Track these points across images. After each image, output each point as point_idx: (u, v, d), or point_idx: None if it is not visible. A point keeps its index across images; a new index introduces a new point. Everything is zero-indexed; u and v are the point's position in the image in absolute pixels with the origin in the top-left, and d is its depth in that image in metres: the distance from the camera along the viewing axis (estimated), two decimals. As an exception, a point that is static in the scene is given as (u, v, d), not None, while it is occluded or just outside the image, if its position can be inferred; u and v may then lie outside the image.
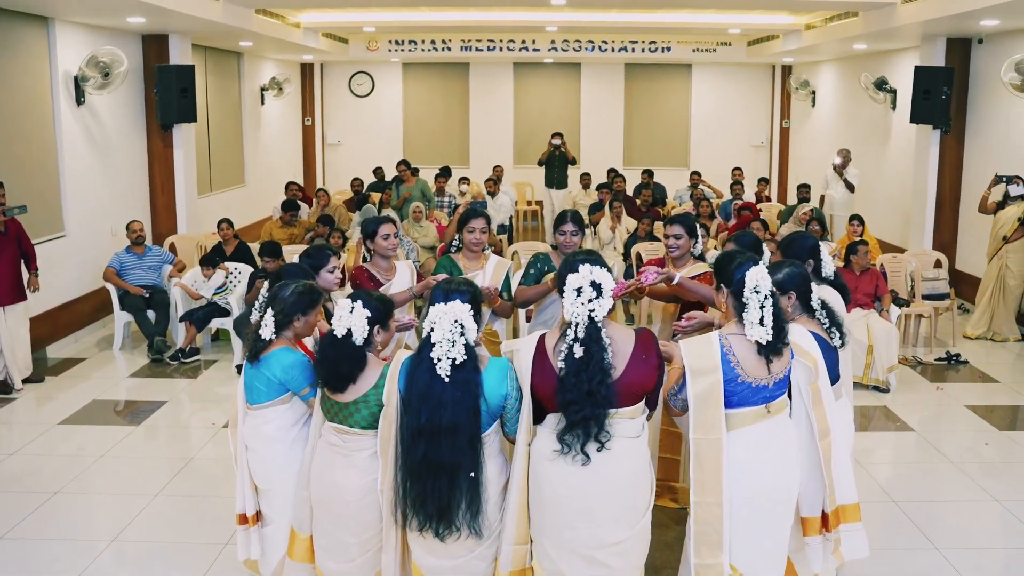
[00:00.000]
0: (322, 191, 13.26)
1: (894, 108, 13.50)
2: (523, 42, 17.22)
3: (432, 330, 3.56)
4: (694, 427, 3.66)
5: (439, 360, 3.52)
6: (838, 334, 4.12)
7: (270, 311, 4.09)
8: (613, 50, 17.27)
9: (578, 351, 3.51)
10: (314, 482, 3.93)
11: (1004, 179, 9.74)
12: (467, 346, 3.57)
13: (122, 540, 5.33)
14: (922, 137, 11.52)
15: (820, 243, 4.74)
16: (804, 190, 12.93)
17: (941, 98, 10.69)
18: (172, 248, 10.64)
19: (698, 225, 5.63)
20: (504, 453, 3.79)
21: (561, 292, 3.64)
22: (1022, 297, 9.88)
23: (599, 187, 14.56)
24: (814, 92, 17.09)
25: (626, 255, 10.97)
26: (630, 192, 14.26)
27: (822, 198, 13.43)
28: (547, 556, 3.66)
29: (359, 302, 3.78)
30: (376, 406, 3.75)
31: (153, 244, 10.24)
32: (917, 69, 10.98)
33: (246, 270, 9.44)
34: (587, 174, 14.95)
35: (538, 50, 17.32)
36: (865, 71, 13.90)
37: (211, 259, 9.26)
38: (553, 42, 17.22)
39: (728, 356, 3.66)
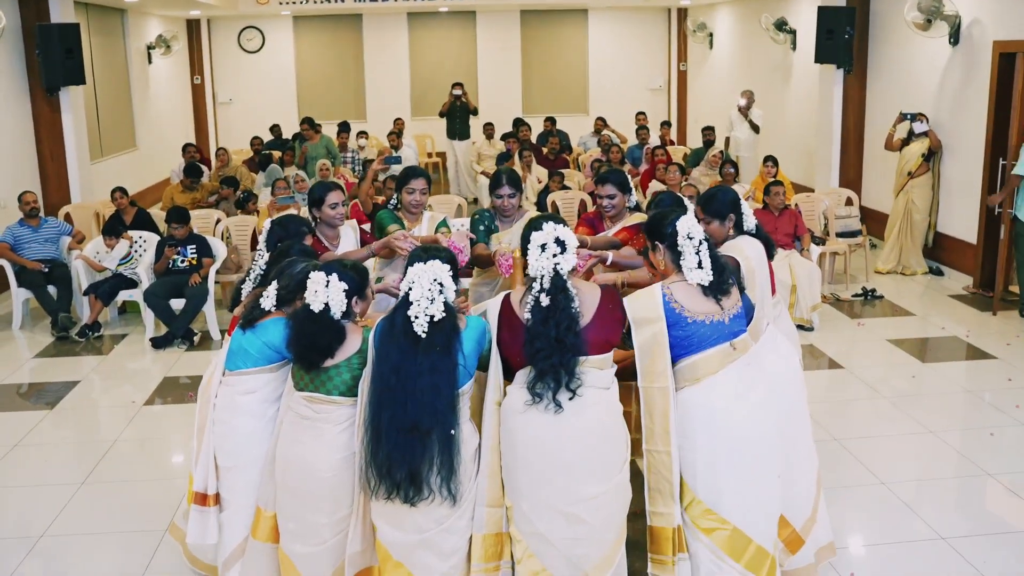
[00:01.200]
0: (222, 150, 12.75)
1: (794, 48, 13.61)
2: (418, -9, 16.84)
3: (410, 289, 3.45)
4: (641, 376, 3.69)
5: (416, 317, 3.40)
6: (735, 280, 4.03)
7: (275, 284, 3.95)
8: (511, -4, 17.02)
9: (544, 300, 3.50)
10: (280, 459, 3.74)
11: (909, 116, 9.91)
12: (446, 304, 3.46)
13: (50, 536, 4.99)
14: (825, 77, 11.64)
15: (739, 197, 4.63)
16: (709, 132, 12.94)
17: (844, 38, 10.78)
18: (68, 218, 10.08)
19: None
20: (472, 421, 3.67)
21: (525, 251, 3.60)
22: (928, 231, 10.12)
23: (504, 136, 14.40)
24: (711, 34, 17.16)
25: (540, 206, 10.84)
26: (534, 140, 14.12)
27: (727, 140, 13.51)
28: (525, 518, 3.58)
29: (334, 275, 3.62)
30: (359, 368, 3.61)
31: (47, 215, 9.69)
32: (820, 9, 11.05)
33: (151, 238, 9.01)
34: (490, 124, 14.73)
35: (433, -1, 16.97)
36: (763, 12, 13.98)
37: (113, 228, 8.79)
38: (449, -10, 16.87)
39: (671, 304, 3.68)
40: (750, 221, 4.57)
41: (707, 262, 3.68)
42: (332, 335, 3.60)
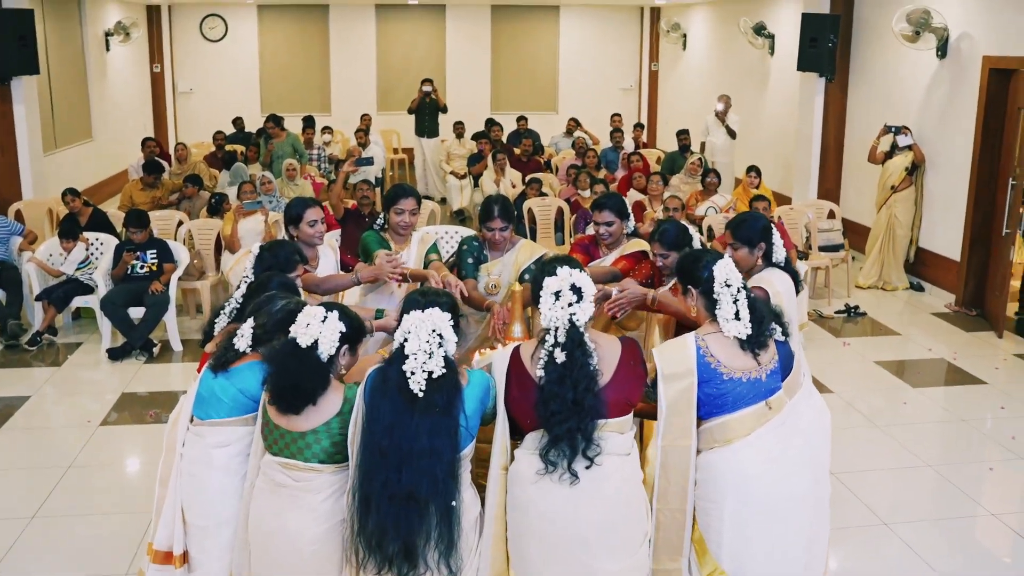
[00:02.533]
0: (181, 146, 12.25)
1: (772, 53, 13.40)
2: (387, -17, 16.43)
3: (406, 341, 3.08)
4: (663, 433, 3.37)
5: (412, 373, 3.03)
6: (778, 327, 3.66)
7: (250, 322, 3.54)
8: (483, -9, 16.67)
9: (560, 356, 3.14)
10: (255, 530, 3.33)
11: (893, 129, 9.73)
12: (446, 358, 3.09)
13: (-2, 575, 4.61)
14: (806, 85, 11.42)
15: (771, 225, 4.37)
16: (684, 136, 12.67)
17: (828, 46, 10.56)
18: (19, 217, 9.58)
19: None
20: (473, 486, 3.31)
21: (537, 299, 3.23)
22: (909, 246, 9.95)
23: (475, 136, 14.05)
24: (685, 35, 16.92)
25: (516, 213, 10.49)
26: (504, 140, 13.77)
27: (703, 145, 13.27)
28: None
29: (334, 312, 3.25)
30: (340, 434, 3.21)
31: (-3, 213, 9.20)
32: (804, 16, 10.82)
33: (108, 241, 8.54)
34: (460, 123, 14.34)
35: (403, -9, 16.57)
36: (741, 15, 13.76)
37: (70, 230, 8.30)
38: (419, -17, 16.47)
39: (705, 357, 3.36)
40: (780, 253, 4.31)
41: (745, 312, 3.37)
42: (318, 379, 3.20)
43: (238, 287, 4.11)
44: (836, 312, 8.99)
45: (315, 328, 3.21)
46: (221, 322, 3.92)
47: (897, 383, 7.28)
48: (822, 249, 9.60)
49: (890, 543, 4.96)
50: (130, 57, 16.33)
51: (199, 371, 3.78)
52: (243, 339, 3.52)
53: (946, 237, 9.48)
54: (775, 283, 4.10)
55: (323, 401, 3.21)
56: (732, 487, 3.34)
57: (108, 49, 15.08)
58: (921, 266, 9.91)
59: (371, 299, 5.17)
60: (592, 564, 3.19)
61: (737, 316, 3.36)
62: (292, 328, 3.26)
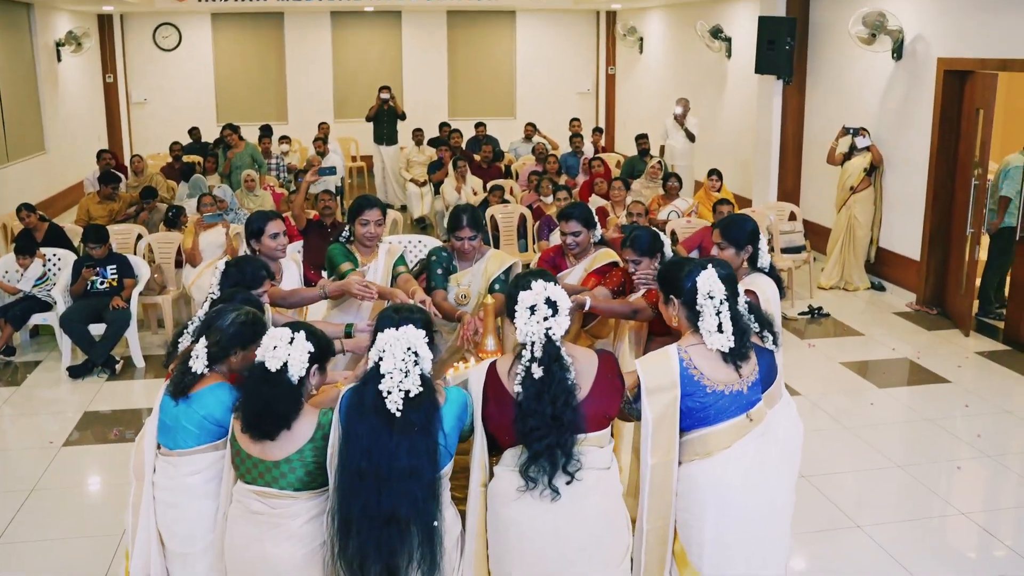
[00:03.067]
0: (137, 158, 12.07)
1: (729, 56, 13.48)
2: (343, -11, 16.34)
3: (381, 359, 3.01)
4: (652, 450, 3.32)
5: (389, 393, 2.97)
6: (770, 336, 3.67)
7: (203, 341, 3.41)
8: (439, -3, 16.62)
9: (537, 372, 3.09)
10: (233, 559, 3.25)
11: (851, 131, 9.83)
12: (423, 376, 3.03)
13: (-37, 605, 4.50)
14: (764, 87, 11.50)
15: (758, 229, 4.41)
16: (643, 140, 12.71)
17: (785, 48, 10.64)
18: (-28, 233, 9.41)
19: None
20: (454, 504, 3.27)
21: (512, 313, 3.19)
22: (869, 246, 10.05)
23: (432, 142, 13.99)
24: (641, 39, 16.98)
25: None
26: (463, 146, 13.72)
27: (662, 148, 13.31)
28: None
29: (301, 333, 3.16)
30: (314, 463, 3.13)
31: (-51, 229, 9.01)
32: (761, 19, 10.89)
33: (66, 256, 8.37)
34: (419, 130, 14.24)
35: (359, -2, 16.47)
36: (698, 19, 13.84)
37: (27, 246, 8.13)
38: (375, -11, 16.39)
39: (689, 370, 3.32)
40: (765, 259, 4.33)
41: (728, 325, 3.32)
42: (291, 402, 3.13)
43: (203, 303, 4.04)
44: (799, 313, 9.06)
45: (283, 350, 3.13)
46: (185, 341, 3.79)
47: (863, 383, 7.34)
48: (784, 251, 9.66)
49: (861, 544, 4.98)
50: (82, 67, 16.08)
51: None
52: (199, 360, 3.40)
53: (905, 237, 9.58)
54: (765, 289, 4.10)
55: (297, 425, 3.14)
56: (713, 499, 3.32)
57: (59, 60, 14.84)
58: (882, 266, 10.02)
59: (336, 314, 5.12)
60: (574, 581, 3.15)
61: (720, 329, 3.32)
62: (258, 352, 3.18)
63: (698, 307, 3.35)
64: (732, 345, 3.32)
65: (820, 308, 9.14)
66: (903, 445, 6.30)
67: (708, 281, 3.35)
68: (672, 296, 3.48)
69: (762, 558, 3.43)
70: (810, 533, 5.06)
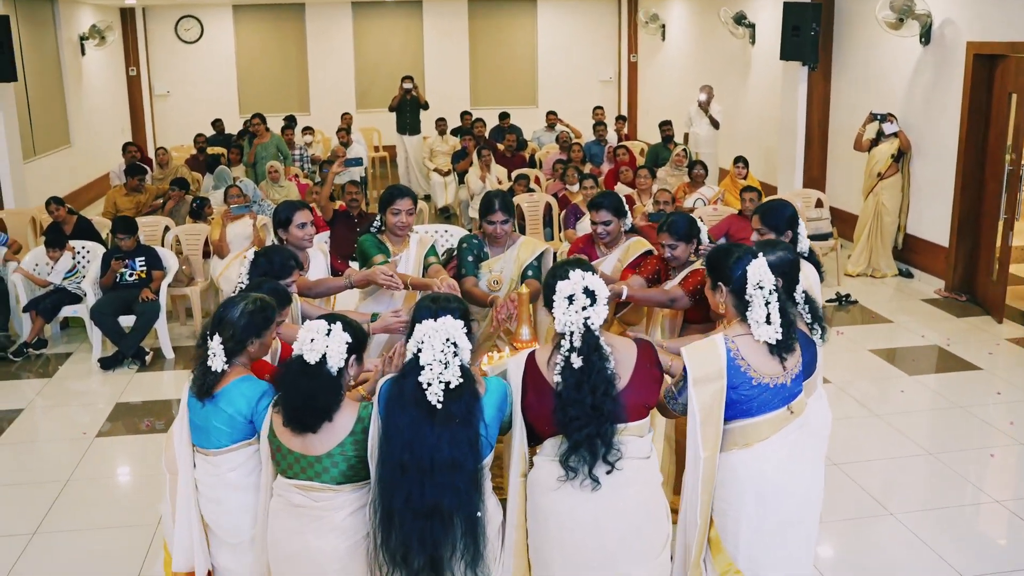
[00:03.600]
0: (162, 150, 12.12)
1: (753, 43, 13.40)
2: (365, -20, 16.34)
3: (419, 351, 3.00)
4: (703, 443, 3.26)
5: (429, 384, 2.96)
6: (819, 329, 3.70)
7: (217, 338, 3.40)
8: (459, -14, 16.59)
9: (576, 361, 3.08)
10: (276, 553, 3.25)
11: (878, 117, 9.75)
12: (463, 367, 3.02)
13: (2, 595, 4.54)
14: (789, 74, 11.42)
15: (797, 213, 4.39)
16: (667, 127, 12.66)
17: (810, 34, 10.56)
18: (1, 226, 9.47)
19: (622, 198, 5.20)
20: (496, 494, 3.26)
21: (550, 303, 3.17)
22: (897, 232, 9.98)
23: (455, 132, 13.98)
24: (663, 26, 16.89)
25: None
26: (487, 136, 13.70)
27: (686, 136, 13.25)
28: None
29: (338, 324, 3.15)
30: (355, 456, 3.13)
31: (-23, 223, 9.08)
32: (786, 5, 10.80)
33: (95, 249, 8.44)
34: (443, 119, 14.26)
35: (380, -12, 16.48)
36: (720, 5, 13.74)
37: (56, 240, 8.18)
38: (396, -20, 16.38)
39: (736, 360, 3.27)
40: (804, 243, 4.30)
41: (776, 316, 3.25)
42: (332, 394, 3.12)
43: (234, 294, 4.05)
44: (827, 301, 9.00)
45: (320, 342, 3.12)
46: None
47: (892, 371, 7.30)
48: (810, 238, 9.50)
49: (893, 531, 4.96)
50: (106, 61, 16.17)
51: None
52: (216, 358, 3.39)
53: (934, 223, 9.51)
54: (807, 275, 4.06)
55: (338, 417, 3.13)
56: (751, 489, 3.30)
57: (83, 53, 14.93)
58: (909, 253, 9.94)
59: (369, 303, 5.13)
60: (616, 569, 3.15)
61: (768, 320, 3.26)
62: (296, 345, 3.17)
63: (747, 296, 3.29)
64: (780, 337, 3.26)
65: (848, 295, 9.09)
66: (934, 432, 6.26)
67: (758, 271, 3.28)
68: (720, 283, 3.41)
69: (795, 546, 3.42)
70: (841, 521, 5.04)
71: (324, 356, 3.11)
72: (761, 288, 3.27)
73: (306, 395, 3.09)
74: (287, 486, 3.21)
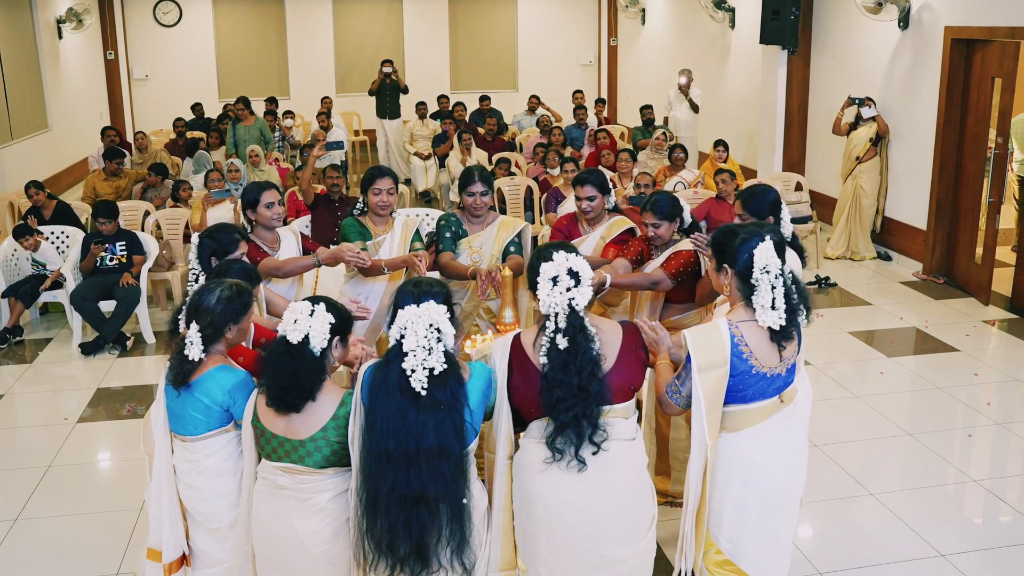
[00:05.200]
0: (140, 134, 12.04)
1: (733, 27, 13.42)
2: (344, -37, 16.25)
3: (402, 337, 2.99)
4: (709, 429, 3.25)
5: (413, 371, 2.94)
6: (805, 311, 3.61)
7: (195, 326, 3.38)
8: (439, -30, 16.53)
9: (562, 342, 3.08)
10: (261, 537, 3.25)
11: (857, 101, 9.80)
12: (446, 353, 3.00)
13: (-15, 580, 4.54)
14: (769, 58, 11.45)
15: (780, 198, 4.42)
16: (648, 111, 12.70)
17: (790, 19, 10.59)
18: (-21, 211, 9.41)
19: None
20: (480, 479, 3.27)
21: (534, 285, 3.18)
22: (876, 216, 10.05)
23: (435, 115, 13.96)
24: (644, 10, 16.89)
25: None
26: (467, 119, 13.68)
27: (665, 119, 13.27)
28: None
29: (321, 305, 3.16)
30: (337, 441, 3.13)
31: (-45, 208, 9.00)
32: (766, -11, 10.84)
33: (75, 234, 8.40)
34: (423, 103, 14.21)
35: (360, -29, 16.39)
36: (701, -11, 13.75)
37: (23, 230, 8.07)
38: (376, -37, 16.30)
39: (740, 347, 3.25)
40: (787, 228, 4.30)
41: (781, 302, 3.21)
42: (315, 373, 3.13)
43: (194, 280, 4.04)
44: (807, 284, 9.04)
45: (304, 323, 3.12)
46: (184, 321, 3.78)
47: (871, 352, 7.36)
48: (791, 221, 9.63)
49: (872, 511, 5.02)
50: (83, 44, 16.02)
51: None
52: (194, 347, 3.37)
53: (912, 206, 9.58)
54: (790, 260, 4.07)
55: (321, 399, 3.14)
56: (737, 473, 3.32)
57: (60, 37, 14.78)
58: (888, 236, 10.02)
59: (350, 287, 5.15)
60: (601, 550, 3.17)
61: (773, 305, 3.21)
62: (279, 326, 3.17)
63: (753, 280, 3.24)
64: (783, 324, 3.23)
65: (827, 278, 9.16)
66: (912, 413, 6.33)
67: (765, 254, 3.24)
68: (726, 265, 3.36)
69: (776, 528, 3.45)
70: (822, 501, 5.10)
71: (307, 336, 3.11)
72: (767, 272, 3.23)
73: (289, 375, 3.09)
74: (272, 469, 3.21)
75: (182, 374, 3.38)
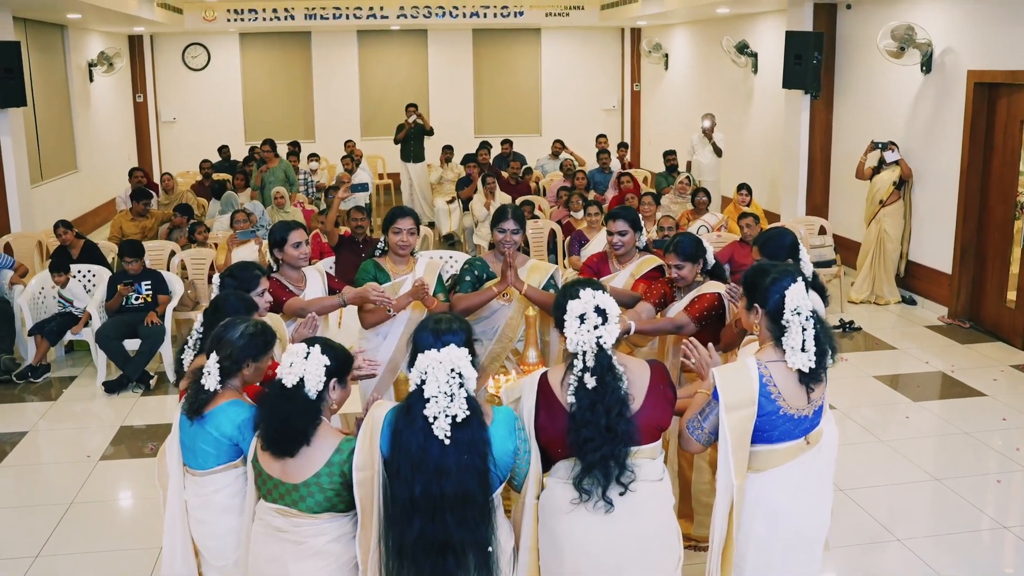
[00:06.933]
0: (167, 176, 12.19)
1: (756, 72, 13.48)
2: (370, 9, 16.49)
3: (423, 382, 2.93)
4: (736, 469, 3.21)
5: (435, 419, 2.88)
6: (830, 352, 3.57)
7: (214, 356, 3.38)
8: (465, 15, 16.72)
9: (590, 382, 3.05)
10: None
11: (880, 145, 9.81)
12: (469, 399, 2.94)
13: (6, 616, 4.53)
14: (792, 102, 11.49)
15: (798, 241, 4.42)
16: (671, 156, 12.77)
17: (812, 63, 10.63)
18: (8, 249, 9.50)
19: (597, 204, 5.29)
20: (508, 520, 3.23)
21: (561, 323, 3.17)
22: (900, 260, 10.00)
23: (464, 160, 14.03)
24: (667, 55, 17.01)
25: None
26: (490, 163, 13.73)
27: (688, 164, 13.31)
28: None
29: (316, 347, 3.10)
30: (331, 488, 3.08)
31: (-16, 246, 9.11)
32: (788, 34, 10.90)
33: (101, 273, 8.48)
34: (449, 147, 14.33)
35: (386, 17, 16.63)
36: (723, 34, 13.86)
37: (61, 263, 8.17)
38: (402, 8, 16.52)
39: (768, 387, 3.22)
40: (808, 269, 4.28)
41: (811, 344, 3.19)
42: (308, 418, 3.06)
43: (194, 344, 4.02)
44: (831, 328, 8.99)
45: (299, 366, 3.07)
46: (188, 356, 3.83)
47: (896, 397, 7.29)
48: (814, 265, 9.61)
49: (900, 557, 4.94)
50: (113, 87, 16.28)
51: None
52: (211, 377, 3.36)
53: (936, 250, 9.53)
54: (812, 301, 4.04)
55: (316, 444, 3.08)
56: (761, 514, 3.28)
57: (92, 80, 15.03)
58: (912, 279, 9.96)
59: (369, 336, 5.11)
60: (627, 592, 3.13)
61: (803, 347, 3.18)
62: (278, 370, 3.14)
63: (784, 322, 3.22)
64: (813, 366, 3.21)
65: (851, 322, 9.10)
66: (940, 458, 6.25)
67: (796, 295, 3.22)
68: (756, 305, 3.35)
69: (801, 571, 3.41)
70: (849, 546, 5.03)
71: (302, 380, 3.07)
72: (798, 314, 3.21)
73: (283, 418, 3.05)
74: (268, 509, 3.18)
75: (197, 403, 3.39)
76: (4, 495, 5.90)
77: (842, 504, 5.44)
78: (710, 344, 3.57)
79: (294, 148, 13.89)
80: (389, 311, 4.89)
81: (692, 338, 3.60)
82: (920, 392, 7.40)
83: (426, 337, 2.99)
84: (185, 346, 3.86)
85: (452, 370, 2.91)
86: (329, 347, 3.15)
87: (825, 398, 3.50)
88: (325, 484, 3.07)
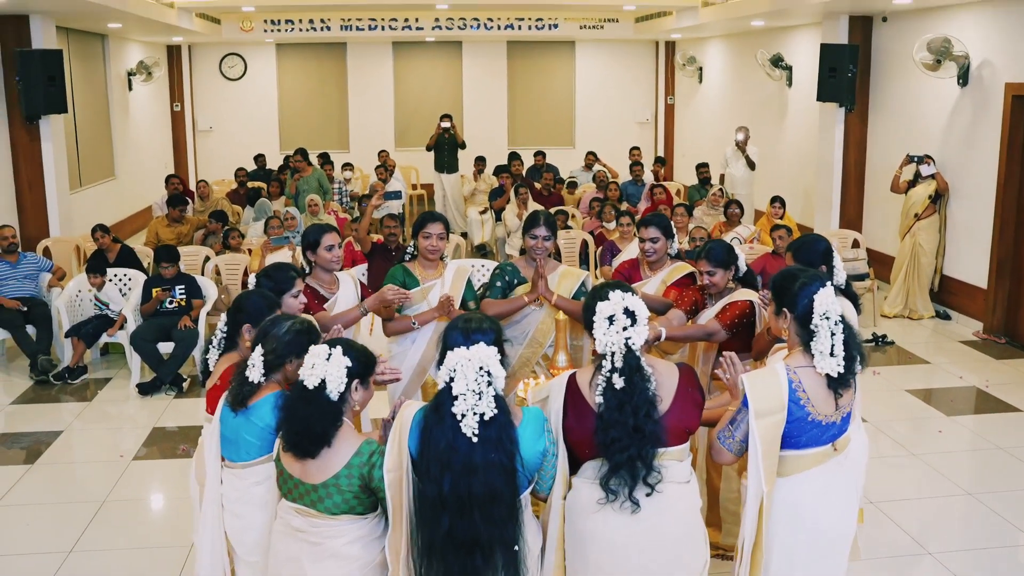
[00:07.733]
0: (203, 183, 12.34)
1: (790, 85, 13.44)
2: (406, 20, 16.60)
3: (452, 380, 2.95)
4: (765, 476, 3.21)
5: (463, 416, 2.90)
6: (859, 358, 3.54)
7: (259, 350, 3.43)
8: (500, 27, 16.78)
9: (618, 382, 3.06)
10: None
11: (915, 159, 9.74)
12: (497, 397, 2.95)
13: (38, 610, 4.59)
14: (826, 115, 11.44)
15: (832, 247, 4.40)
16: (704, 169, 12.75)
17: (847, 76, 10.58)
18: (47, 253, 9.66)
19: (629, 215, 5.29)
20: (536, 518, 3.24)
21: (590, 324, 3.18)
22: (934, 274, 9.91)
23: (497, 171, 14.07)
24: (701, 68, 16.99)
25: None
26: (523, 174, 13.77)
27: (722, 177, 13.27)
28: None
29: (338, 348, 3.12)
30: (349, 491, 3.09)
31: (24, 249, 9.21)
32: (823, 47, 10.86)
33: (137, 277, 8.59)
34: (482, 158, 14.40)
35: (421, 28, 16.72)
36: (757, 48, 13.81)
37: (98, 265, 8.31)
38: (437, 20, 16.61)
39: (797, 392, 3.21)
40: (841, 276, 4.27)
41: (840, 349, 3.19)
42: (329, 420, 3.09)
43: (218, 344, 4.01)
44: (864, 341, 8.90)
45: (320, 368, 3.09)
46: (212, 356, 3.86)
47: (930, 411, 7.22)
48: (848, 278, 9.55)
49: (932, 571, 4.89)
50: (151, 96, 16.50)
51: (208, 409, 3.74)
52: (255, 369, 3.39)
53: (972, 265, 9.44)
54: (845, 309, 4.03)
55: (337, 445, 3.11)
56: (786, 519, 3.27)
57: (130, 88, 15.24)
58: (946, 294, 9.87)
59: (394, 343, 5.13)
60: (654, 594, 3.13)
61: (832, 352, 3.19)
62: (300, 371, 3.16)
63: (812, 326, 3.22)
64: (841, 371, 3.20)
65: (884, 336, 9.03)
66: (973, 473, 6.19)
67: (825, 300, 3.22)
68: (785, 309, 3.35)
69: (824, 575, 3.39)
70: (880, 559, 4.98)
71: (323, 381, 3.09)
72: (827, 319, 3.21)
73: (304, 420, 3.07)
74: (288, 508, 3.20)
75: (241, 395, 3.41)
76: (39, 492, 5.98)
77: (874, 517, 5.40)
78: (733, 354, 3.56)
79: (325, 159, 14.00)
80: (413, 323, 4.92)
81: (732, 353, 3.59)
82: (953, 407, 7.32)
83: (456, 335, 3.01)
84: (210, 346, 3.90)
85: (481, 368, 2.93)
86: (351, 348, 3.17)
87: (855, 405, 3.48)
88: (344, 486, 3.09)
